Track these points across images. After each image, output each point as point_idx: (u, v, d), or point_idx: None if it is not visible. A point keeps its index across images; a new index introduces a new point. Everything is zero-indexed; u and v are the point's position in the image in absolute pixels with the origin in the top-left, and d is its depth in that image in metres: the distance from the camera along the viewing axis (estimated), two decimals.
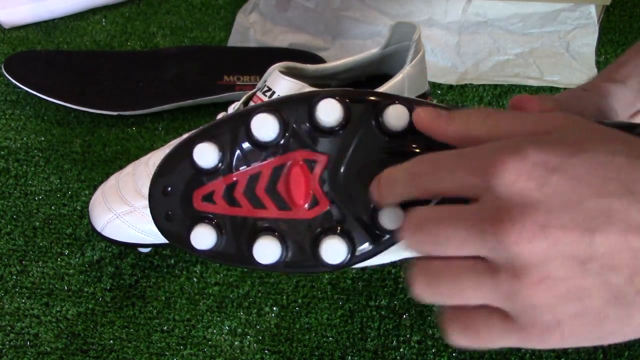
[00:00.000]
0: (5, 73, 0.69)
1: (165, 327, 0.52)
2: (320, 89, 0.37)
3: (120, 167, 0.60)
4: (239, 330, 0.52)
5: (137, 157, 0.61)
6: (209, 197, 0.35)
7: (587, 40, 0.74)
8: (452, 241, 0.27)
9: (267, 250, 0.34)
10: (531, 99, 0.34)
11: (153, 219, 0.36)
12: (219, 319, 0.52)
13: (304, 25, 0.79)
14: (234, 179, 0.35)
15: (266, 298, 0.54)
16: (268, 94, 0.48)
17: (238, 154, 0.34)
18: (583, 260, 0.25)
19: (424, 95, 0.52)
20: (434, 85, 0.71)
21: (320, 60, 0.73)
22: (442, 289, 0.27)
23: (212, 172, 0.35)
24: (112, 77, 0.70)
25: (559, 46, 0.75)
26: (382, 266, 0.56)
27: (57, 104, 0.68)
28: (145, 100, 0.68)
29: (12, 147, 0.66)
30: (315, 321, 0.52)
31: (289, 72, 0.49)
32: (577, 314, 0.25)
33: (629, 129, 0.31)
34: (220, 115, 0.57)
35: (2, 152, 0.66)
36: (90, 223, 0.55)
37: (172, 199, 0.35)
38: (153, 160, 0.55)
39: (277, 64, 0.51)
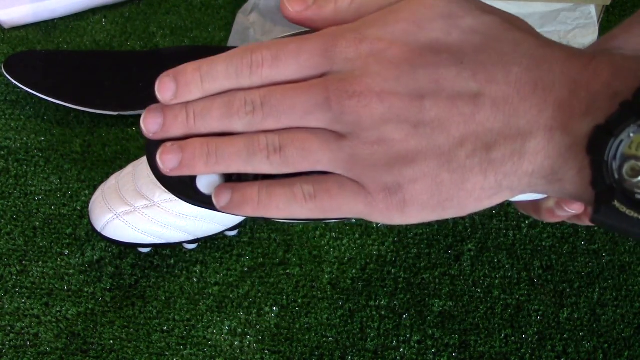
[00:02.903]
0: (5, 73, 0.69)
1: (165, 327, 0.52)
2: None
3: (120, 167, 0.60)
4: (239, 330, 0.52)
5: (137, 157, 0.62)
6: None
7: (587, 40, 0.74)
8: (298, 110, 0.27)
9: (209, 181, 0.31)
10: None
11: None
12: (219, 319, 0.52)
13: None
14: None
15: (266, 298, 0.54)
16: None
17: None
18: (415, 123, 0.26)
19: None
20: None
21: None
22: (293, 154, 0.28)
23: None
24: (112, 77, 0.70)
25: None
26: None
27: (57, 104, 0.68)
28: (145, 100, 0.68)
29: (12, 147, 0.66)
30: (315, 321, 0.52)
31: None
32: (415, 178, 0.27)
33: None
34: None
35: (2, 152, 0.66)
36: (90, 223, 0.55)
37: None
38: None
39: None
